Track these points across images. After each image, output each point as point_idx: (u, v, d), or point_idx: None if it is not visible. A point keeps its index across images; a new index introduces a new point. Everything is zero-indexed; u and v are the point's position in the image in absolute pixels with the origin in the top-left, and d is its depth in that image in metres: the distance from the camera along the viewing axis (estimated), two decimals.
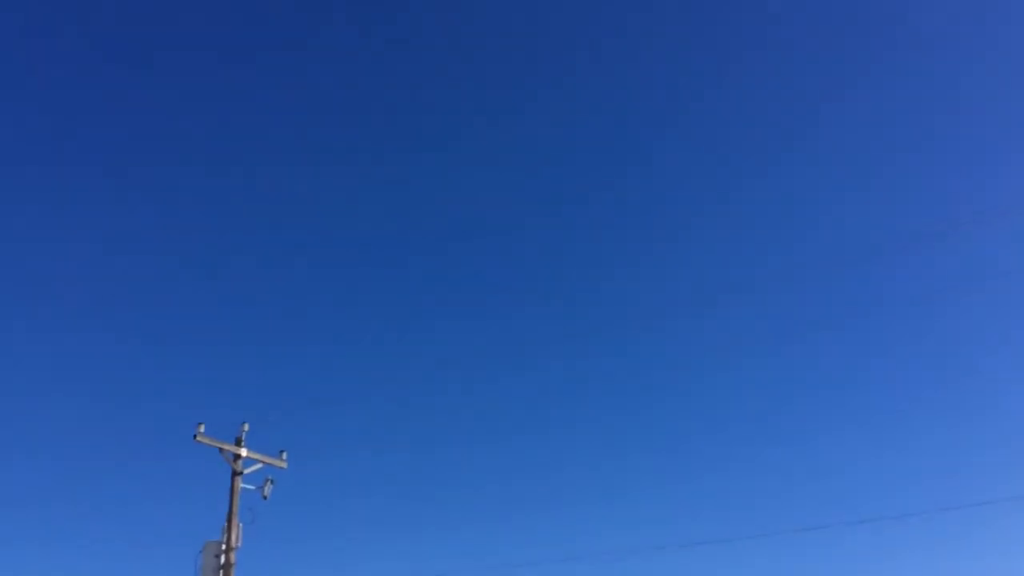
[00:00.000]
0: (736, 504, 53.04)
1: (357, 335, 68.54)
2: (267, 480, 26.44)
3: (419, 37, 75.48)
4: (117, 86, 72.15)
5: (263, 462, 26.74)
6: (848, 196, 67.20)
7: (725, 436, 59.43)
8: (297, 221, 72.93)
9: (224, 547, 25.15)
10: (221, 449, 26.17)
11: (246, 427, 26.63)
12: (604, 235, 71.27)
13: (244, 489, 26.05)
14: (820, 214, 67.95)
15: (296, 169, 73.50)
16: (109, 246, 68.80)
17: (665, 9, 73.31)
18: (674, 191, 72.03)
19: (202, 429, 25.82)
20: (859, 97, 68.05)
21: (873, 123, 67.85)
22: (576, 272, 70.68)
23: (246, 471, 26.28)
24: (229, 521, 25.53)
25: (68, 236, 68.56)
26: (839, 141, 68.11)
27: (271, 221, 72.91)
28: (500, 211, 72.74)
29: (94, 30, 71.20)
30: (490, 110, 75.64)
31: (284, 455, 27.29)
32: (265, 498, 26.31)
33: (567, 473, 58.49)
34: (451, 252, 71.87)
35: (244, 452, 26.31)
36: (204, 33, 72.91)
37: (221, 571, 24.92)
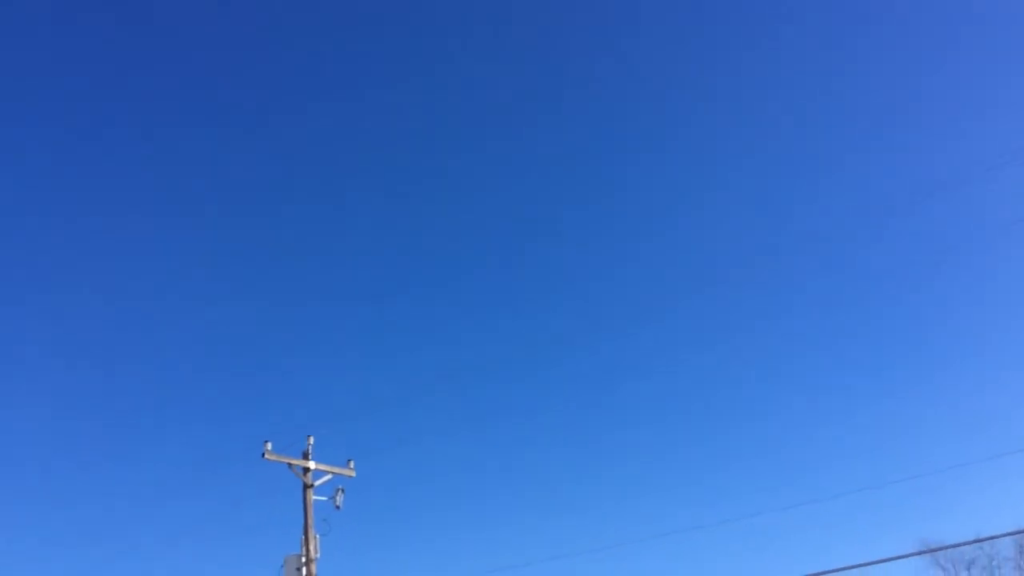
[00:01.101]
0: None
1: (411, 339, 69.16)
2: (338, 490, 26.96)
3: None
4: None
5: (332, 472, 27.25)
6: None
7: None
8: (351, 231, 73.71)
9: (304, 559, 25.71)
10: (290, 464, 26.71)
11: (311, 440, 27.16)
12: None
13: (317, 500, 26.59)
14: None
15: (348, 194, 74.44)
16: (182, 271, 70.10)
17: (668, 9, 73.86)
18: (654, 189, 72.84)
19: (269, 447, 26.39)
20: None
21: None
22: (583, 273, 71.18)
23: (316, 483, 26.80)
24: (306, 533, 26.10)
25: (149, 259, 69.78)
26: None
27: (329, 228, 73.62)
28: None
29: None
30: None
31: (351, 464, 27.79)
32: (338, 508, 26.84)
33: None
34: (502, 256, 72.48)
35: (312, 465, 26.83)
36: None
37: None
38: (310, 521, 26.34)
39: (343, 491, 27.06)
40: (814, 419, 60.89)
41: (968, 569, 49.12)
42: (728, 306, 63.56)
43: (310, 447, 27.07)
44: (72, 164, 70.86)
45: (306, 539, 26.07)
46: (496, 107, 75.84)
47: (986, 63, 67.95)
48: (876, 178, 67.80)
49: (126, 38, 73.03)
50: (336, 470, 27.41)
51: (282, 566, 25.85)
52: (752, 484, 56.05)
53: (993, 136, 63.18)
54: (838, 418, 61.42)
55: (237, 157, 73.71)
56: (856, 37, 72.01)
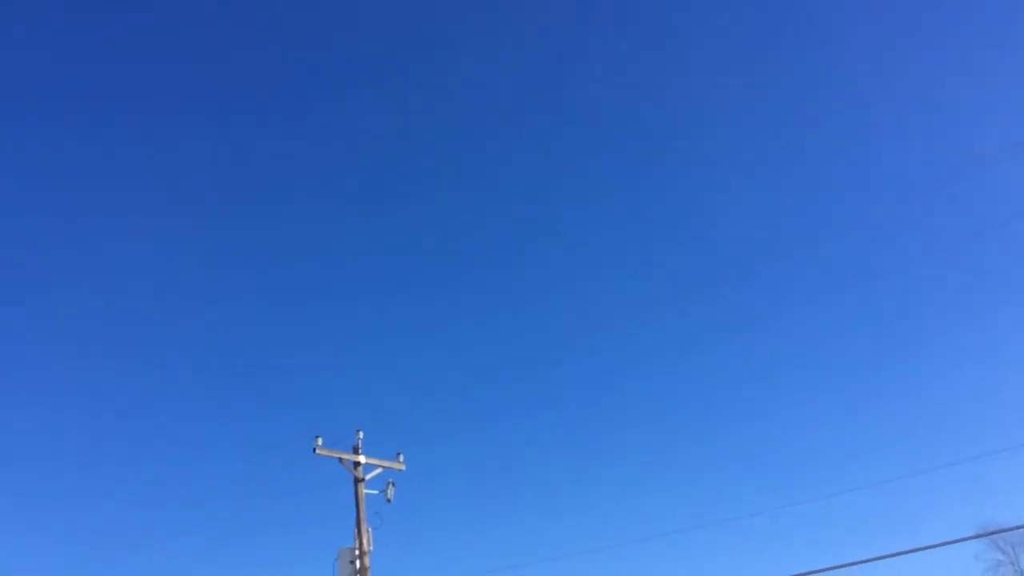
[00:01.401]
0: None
1: (456, 334, 69.33)
2: (388, 483, 27.10)
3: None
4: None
5: (382, 466, 27.40)
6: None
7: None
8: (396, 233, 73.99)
9: (357, 552, 25.89)
10: (341, 459, 26.91)
11: (361, 434, 27.34)
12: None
13: (368, 494, 26.75)
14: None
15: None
16: (232, 271, 70.80)
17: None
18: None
19: (320, 442, 26.58)
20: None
21: None
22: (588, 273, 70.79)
23: (367, 477, 26.96)
24: (358, 527, 26.27)
25: (205, 262, 70.62)
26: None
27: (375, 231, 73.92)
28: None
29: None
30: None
31: (401, 457, 27.92)
32: (389, 501, 26.98)
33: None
34: (512, 256, 72.46)
35: (363, 459, 27.00)
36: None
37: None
38: (362, 515, 26.52)
39: (393, 484, 27.22)
40: (869, 401, 59.93)
41: None
42: (729, 306, 63.30)
43: (360, 441, 27.25)
44: (72, 164, 71.91)
45: (359, 532, 26.25)
46: (497, 107, 75.71)
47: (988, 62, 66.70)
48: (876, 177, 67.18)
49: (126, 38, 73.85)
50: (386, 464, 27.55)
51: (336, 559, 26.08)
52: (752, 484, 55.64)
53: (992, 131, 62.11)
54: (890, 400, 60.62)
55: (247, 157, 74.08)
56: (857, 37, 71.21)
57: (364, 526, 26.40)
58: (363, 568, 25.92)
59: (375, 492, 27.01)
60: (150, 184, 73.06)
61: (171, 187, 72.60)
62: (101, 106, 73.26)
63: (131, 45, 73.27)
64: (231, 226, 72.12)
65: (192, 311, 69.43)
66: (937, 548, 22.30)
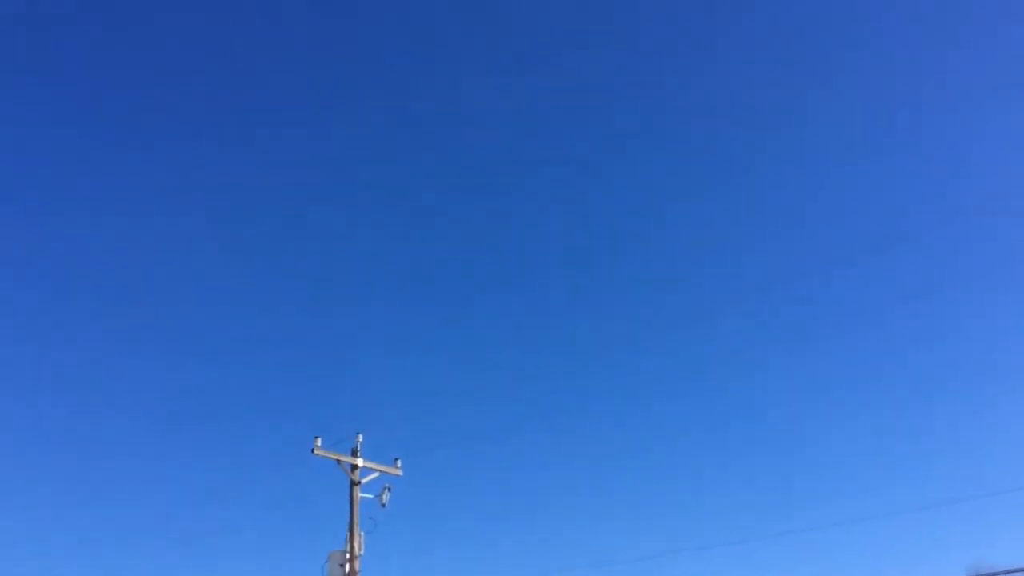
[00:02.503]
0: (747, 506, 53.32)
1: (461, 343, 69.37)
2: (385, 488, 27.17)
3: None
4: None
5: (379, 471, 27.47)
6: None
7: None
8: (398, 232, 74.14)
9: (348, 556, 25.98)
10: (339, 461, 26.98)
11: (360, 438, 27.41)
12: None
13: (363, 498, 26.82)
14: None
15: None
16: (229, 271, 71.05)
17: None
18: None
19: (319, 443, 26.65)
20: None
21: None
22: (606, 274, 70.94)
23: (363, 480, 27.03)
24: (351, 530, 26.35)
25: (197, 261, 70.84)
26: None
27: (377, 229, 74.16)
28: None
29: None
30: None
31: (399, 463, 27.99)
32: (383, 506, 27.08)
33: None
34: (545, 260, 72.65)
35: (360, 462, 27.06)
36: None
37: None
38: (356, 518, 26.59)
39: (390, 489, 27.28)
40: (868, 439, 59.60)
41: None
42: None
43: (359, 444, 27.30)
44: (72, 164, 72.04)
45: (351, 536, 26.31)
46: (512, 113, 75.73)
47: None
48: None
49: (127, 38, 74.15)
50: (383, 468, 27.61)
51: (326, 561, 26.15)
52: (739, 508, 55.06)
53: None
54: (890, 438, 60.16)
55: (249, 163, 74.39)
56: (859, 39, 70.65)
57: (357, 530, 26.46)
58: (353, 572, 25.97)
59: (371, 496, 27.10)
60: (158, 185, 72.94)
61: (166, 188, 72.45)
62: (101, 106, 73.29)
63: (131, 46, 73.36)
64: (243, 226, 72.15)
65: (201, 311, 69.41)
66: None
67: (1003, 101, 66.94)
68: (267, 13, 75.40)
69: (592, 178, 73.90)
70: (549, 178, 75.04)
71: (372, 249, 72.16)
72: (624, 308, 68.13)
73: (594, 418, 62.01)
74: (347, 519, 26.61)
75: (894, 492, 53.01)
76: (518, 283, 71.65)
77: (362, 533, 26.47)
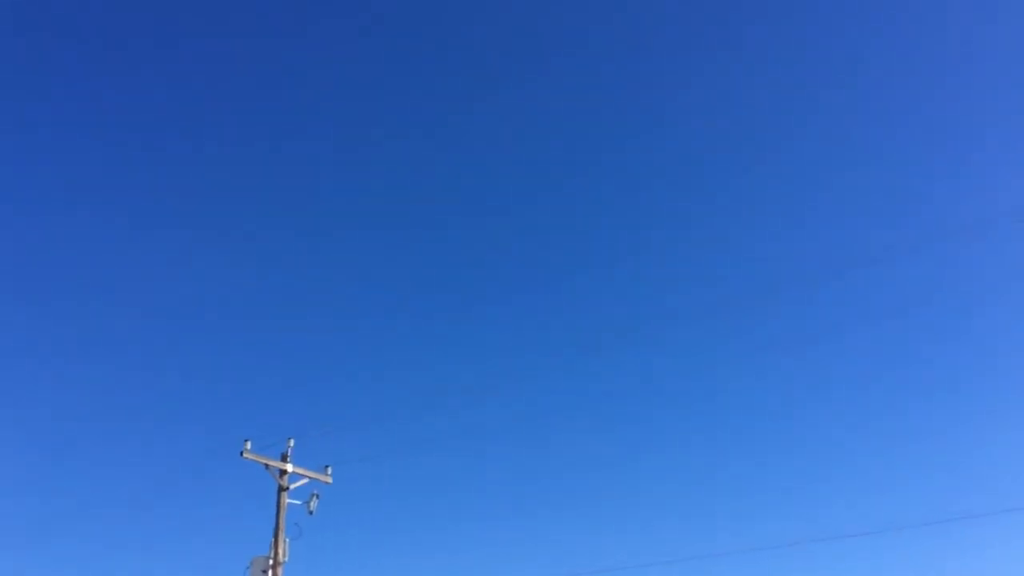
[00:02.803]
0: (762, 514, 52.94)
1: (400, 350, 68.78)
2: (313, 495, 26.70)
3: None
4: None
5: (309, 477, 27.00)
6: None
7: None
8: (339, 241, 73.56)
9: (271, 562, 25.43)
10: (267, 465, 26.48)
11: (292, 443, 26.93)
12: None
13: (290, 504, 26.34)
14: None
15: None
16: (173, 270, 69.90)
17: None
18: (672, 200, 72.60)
19: (248, 446, 26.16)
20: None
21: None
22: (603, 272, 70.60)
23: (292, 486, 26.56)
24: (276, 536, 25.81)
25: (137, 262, 69.69)
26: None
27: (316, 240, 73.54)
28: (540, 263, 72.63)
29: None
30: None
31: (329, 470, 27.54)
32: (311, 513, 26.58)
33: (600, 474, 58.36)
34: (491, 260, 72.24)
35: (290, 468, 26.59)
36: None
37: None
38: (281, 524, 26.06)
39: (318, 496, 26.82)
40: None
41: None
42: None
43: (290, 449, 26.84)
44: (72, 164, 70.98)
45: (276, 542, 25.76)
46: (510, 120, 75.75)
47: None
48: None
49: (127, 38, 73.40)
50: (313, 475, 27.15)
51: (248, 567, 25.58)
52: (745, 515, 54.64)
53: None
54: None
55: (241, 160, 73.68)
56: (863, 40, 71.51)
57: (282, 536, 25.93)
58: None
59: (299, 503, 26.62)
60: (152, 185, 71.89)
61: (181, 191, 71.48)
62: (101, 106, 72.34)
63: (132, 45, 72.53)
64: (218, 228, 71.35)
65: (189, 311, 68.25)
66: None
67: (1004, 102, 67.49)
68: (268, 13, 74.90)
69: (592, 178, 73.78)
70: (547, 178, 74.71)
71: (316, 253, 71.40)
72: (624, 308, 67.42)
73: (561, 432, 61.09)
74: (273, 525, 26.10)
75: (908, 503, 51.56)
76: (518, 285, 70.93)
77: (287, 539, 25.94)
